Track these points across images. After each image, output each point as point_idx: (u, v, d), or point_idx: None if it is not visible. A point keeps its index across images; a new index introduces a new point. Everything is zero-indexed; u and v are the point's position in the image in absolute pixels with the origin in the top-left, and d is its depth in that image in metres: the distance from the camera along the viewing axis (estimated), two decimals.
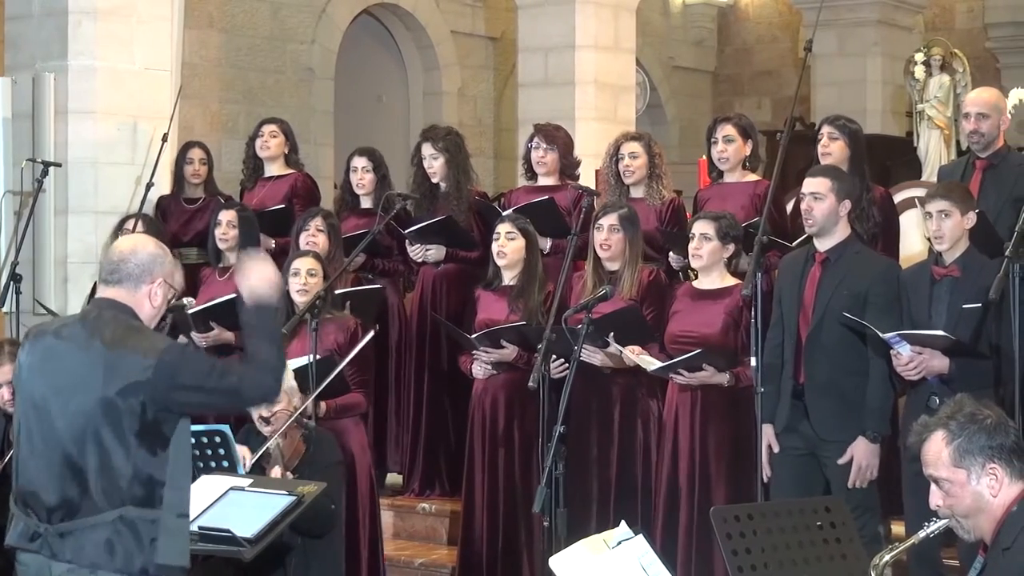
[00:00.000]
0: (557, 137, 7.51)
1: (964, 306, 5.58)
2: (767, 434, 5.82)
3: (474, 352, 6.68)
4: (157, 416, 4.04)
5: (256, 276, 4.15)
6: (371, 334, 6.37)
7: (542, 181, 7.50)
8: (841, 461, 5.67)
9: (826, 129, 6.63)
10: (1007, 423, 3.70)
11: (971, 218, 5.71)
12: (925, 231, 6.86)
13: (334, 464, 5.93)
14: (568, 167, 7.53)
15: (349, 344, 6.53)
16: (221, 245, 7.48)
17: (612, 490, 6.39)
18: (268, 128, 8.21)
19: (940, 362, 5.57)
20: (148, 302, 4.20)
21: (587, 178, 8.27)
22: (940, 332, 5.53)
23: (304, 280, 6.56)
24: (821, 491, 5.72)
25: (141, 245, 4.28)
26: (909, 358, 5.56)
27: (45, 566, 4.06)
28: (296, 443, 5.83)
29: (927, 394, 5.55)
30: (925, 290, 5.72)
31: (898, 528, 6.35)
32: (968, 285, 5.60)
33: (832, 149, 6.56)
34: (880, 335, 5.55)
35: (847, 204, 5.82)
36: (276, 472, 5.66)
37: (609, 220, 6.47)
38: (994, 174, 6.50)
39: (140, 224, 7.63)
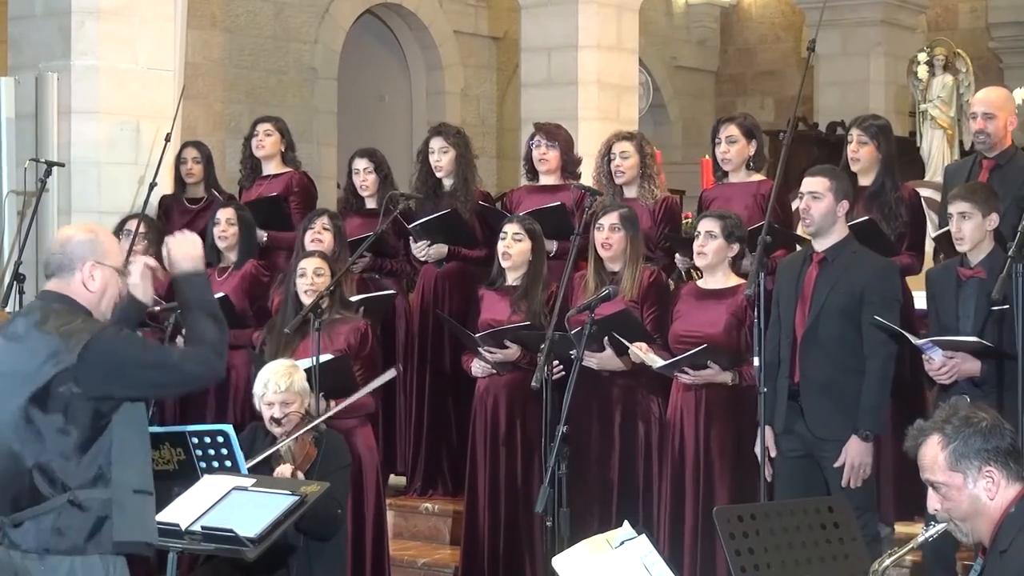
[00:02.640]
0: (558, 135, 7.50)
1: (993, 308, 5.57)
2: (767, 437, 5.78)
3: (479, 350, 6.68)
4: (94, 402, 4.10)
5: (177, 252, 4.30)
6: (393, 374, 6.26)
7: (543, 180, 7.49)
8: (836, 464, 5.66)
9: (855, 133, 6.60)
10: (1002, 425, 3.69)
11: (994, 220, 5.73)
12: (931, 230, 6.87)
13: (343, 467, 5.93)
14: (569, 164, 7.52)
15: (360, 345, 6.53)
16: (220, 244, 7.47)
17: (614, 490, 6.39)
18: (263, 127, 8.16)
19: (972, 365, 5.60)
20: (84, 287, 4.27)
21: (589, 178, 8.26)
22: (973, 338, 5.54)
23: (311, 280, 6.54)
24: (822, 492, 5.69)
25: (71, 234, 4.37)
26: (941, 363, 5.57)
27: (6, 556, 4.15)
28: (307, 446, 5.81)
29: (957, 395, 5.53)
30: (952, 291, 5.73)
31: (902, 529, 6.35)
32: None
33: (861, 155, 6.55)
34: (914, 341, 5.56)
35: (845, 204, 5.80)
36: (285, 470, 5.66)
37: (610, 219, 6.46)
38: (1000, 174, 6.47)
39: (141, 225, 7.65)
